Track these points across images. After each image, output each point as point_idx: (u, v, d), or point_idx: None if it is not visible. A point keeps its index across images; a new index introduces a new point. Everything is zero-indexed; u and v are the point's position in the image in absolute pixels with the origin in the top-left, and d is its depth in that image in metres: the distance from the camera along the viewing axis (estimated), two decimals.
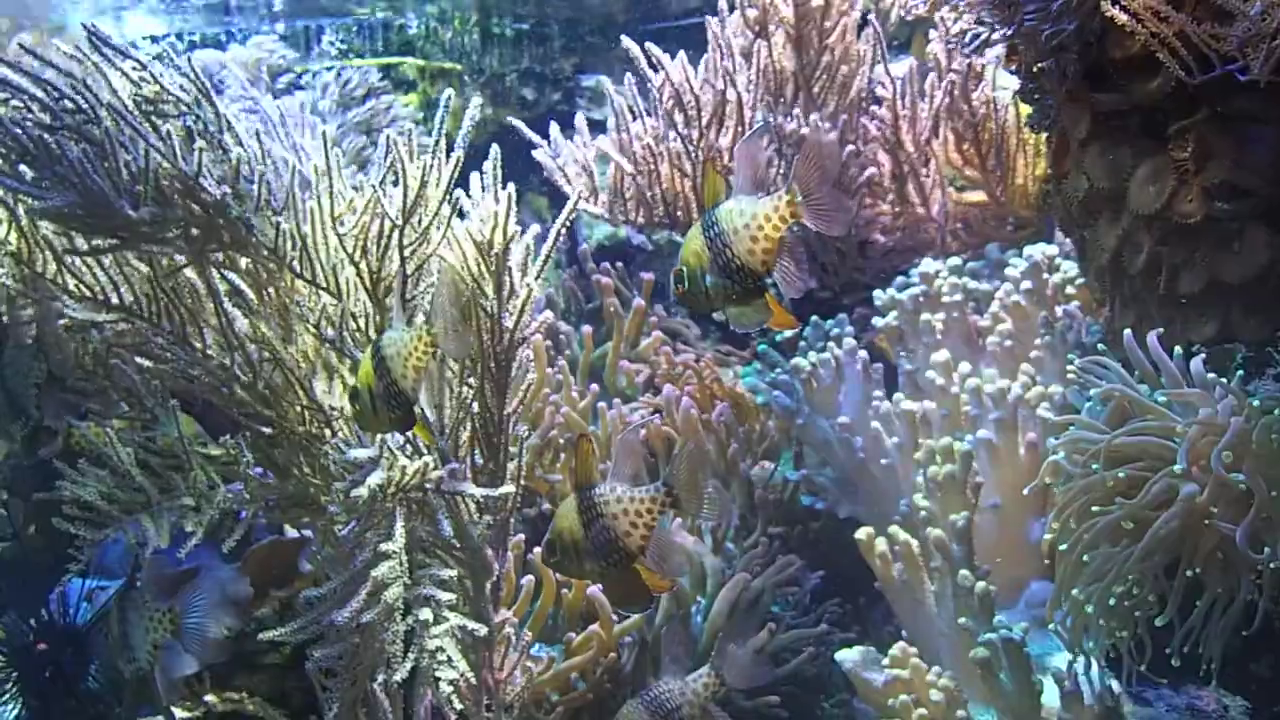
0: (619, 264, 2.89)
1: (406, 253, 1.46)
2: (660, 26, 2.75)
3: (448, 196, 1.46)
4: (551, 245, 1.51)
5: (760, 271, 1.17)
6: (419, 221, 1.46)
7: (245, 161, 1.41)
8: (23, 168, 1.37)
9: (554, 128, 2.65)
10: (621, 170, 2.61)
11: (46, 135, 1.34)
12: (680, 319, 2.97)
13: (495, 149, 1.50)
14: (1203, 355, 1.53)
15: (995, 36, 1.58)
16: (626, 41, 2.53)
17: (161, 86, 1.41)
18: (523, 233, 1.51)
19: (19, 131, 1.33)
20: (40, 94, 1.37)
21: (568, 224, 1.50)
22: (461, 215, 1.50)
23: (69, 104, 1.36)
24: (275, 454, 1.58)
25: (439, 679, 1.41)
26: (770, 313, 1.21)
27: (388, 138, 1.43)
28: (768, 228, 1.16)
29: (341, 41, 3.67)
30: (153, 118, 1.39)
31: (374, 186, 1.44)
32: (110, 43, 1.41)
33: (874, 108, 2.58)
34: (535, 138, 2.61)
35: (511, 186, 1.46)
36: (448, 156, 1.47)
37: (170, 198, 1.38)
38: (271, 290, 1.51)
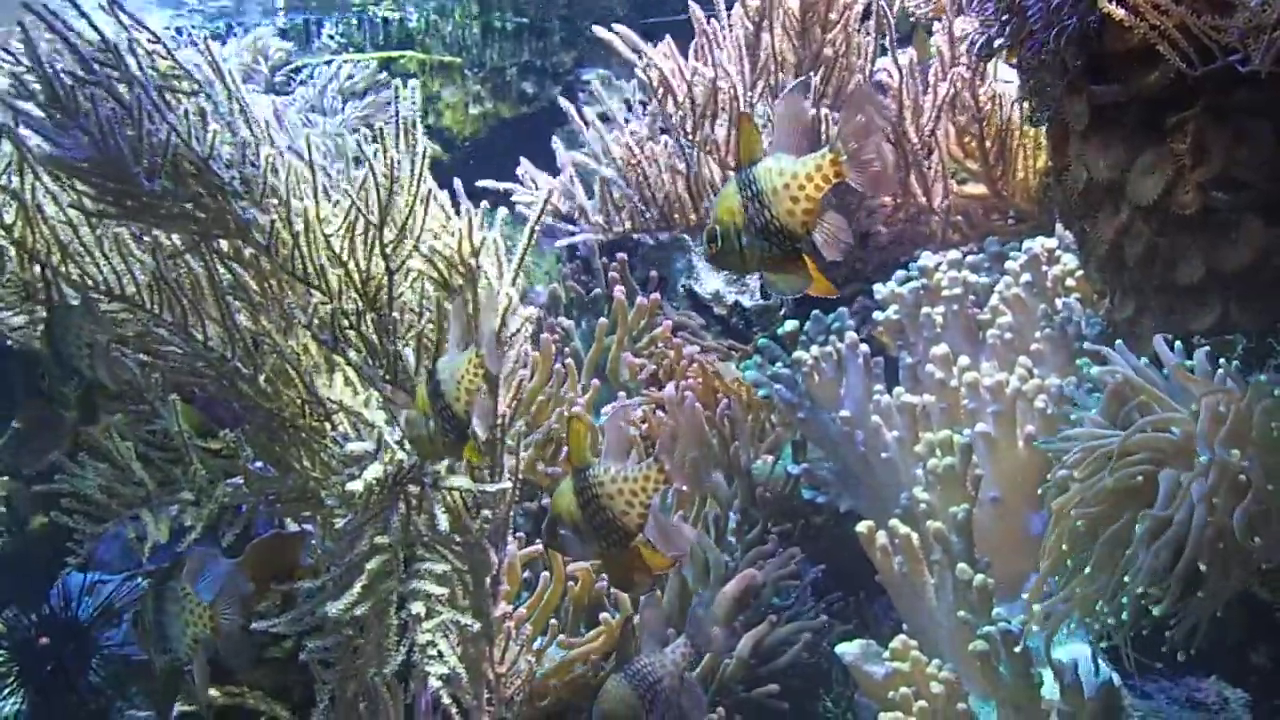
0: (620, 257, 2.89)
1: (389, 250, 1.47)
2: (659, 21, 2.74)
3: (421, 191, 1.46)
4: (521, 258, 1.52)
5: (800, 233, 1.12)
6: (396, 218, 1.46)
7: (253, 147, 1.41)
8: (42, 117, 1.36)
9: (527, 166, 2.64)
10: (607, 183, 2.60)
11: (77, 87, 1.32)
12: (682, 312, 2.97)
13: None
14: (1205, 347, 1.54)
15: (998, 41, 1.57)
16: (599, 30, 2.52)
17: (176, 62, 1.40)
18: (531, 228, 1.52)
19: (51, 74, 1.31)
20: (79, 43, 1.35)
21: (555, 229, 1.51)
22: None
23: (106, 58, 1.34)
24: (275, 448, 1.59)
25: (429, 673, 1.41)
26: (808, 280, 1.16)
27: (357, 138, 1.43)
28: (809, 188, 1.10)
29: (341, 35, 3.66)
30: (167, 94, 1.39)
31: (347, 191, 1.44)
32: (126, 9, 1.41)
33: (879, 97, 2.57)
34: (509, 186, 2.59)
35: (469, 206, 1.47)
36: (418, 151, 1.47)
37: (183, 175, 1.38)
38: (273, 282, 1.51)
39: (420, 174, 1.47)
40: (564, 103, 2.67)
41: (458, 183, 1.56)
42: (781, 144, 1.14)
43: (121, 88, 1.34)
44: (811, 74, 2.48)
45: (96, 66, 1.34)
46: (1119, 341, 1.58)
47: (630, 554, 1.28)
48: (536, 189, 2.62)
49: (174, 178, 1.37)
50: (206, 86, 1.42)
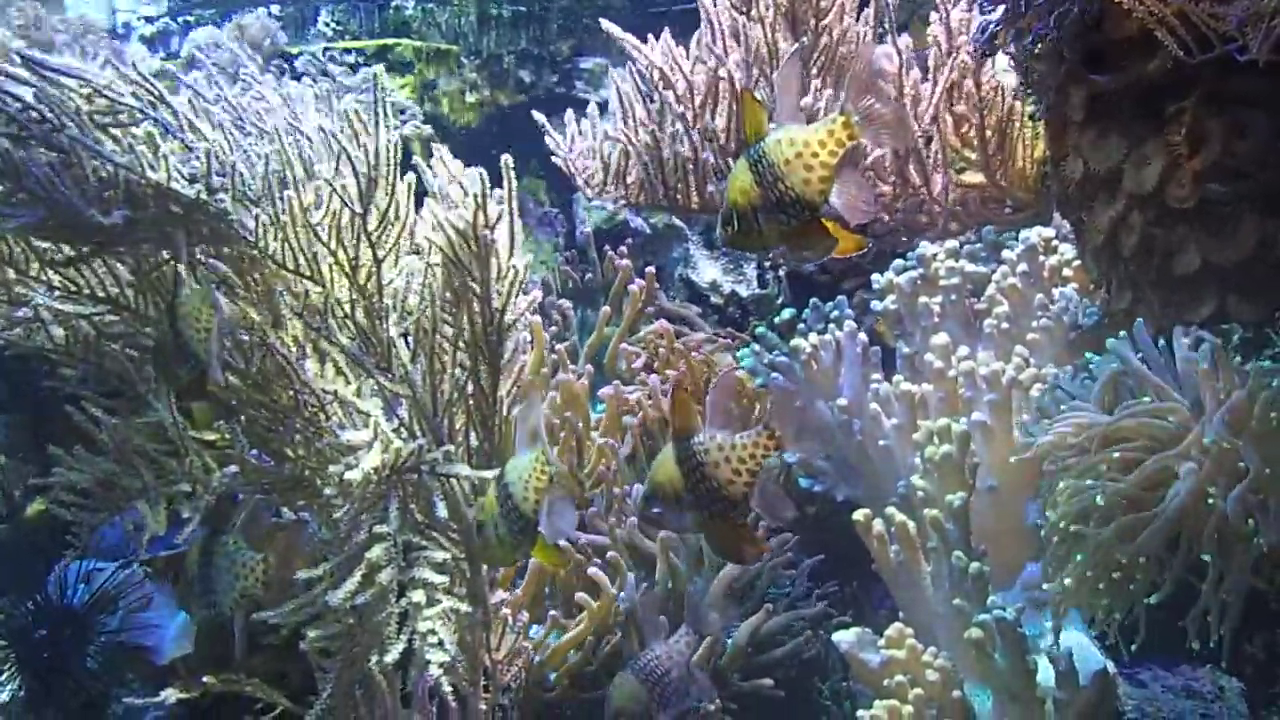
0: (621, 248, 2.89)
1: (374, 237, 1.47)
2: (660, 10, 2.73)
3: (399, 178, 1.46)
4: (511, 213, 1.51)
5: (817, 202, 1.10)
6: (380, 206, 1.46)
7: (213, 155, 1.40)
8: None
9: (569, 115, 2.64)
10: (625, 154, 2.59)
11: (11, 147, 1.32)
12: (680, 303, 2.97)
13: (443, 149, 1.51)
14: (1204, 339, 1.54)
15: (997, 29, 1.56)
16: (605, 24, 2.51)
17: (109, 99, 1.39)
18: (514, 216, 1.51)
19: None
20: (6, 103, 1.34)
21: (562, 207, 1.50)
22: (420, 202, 1.50)
23: (34, 114, 1.34)
24: (270, 438, 1.59)
25: (429, 661, 1.42)
26: (833, 241, 1.13)
27: (322, 129, 1.42)
28: (823, 154, 1.08)
29: (337, 23, 3.65)
30: (111, 128, 1.38)
31: (327, 180, 1.43)
32: (48, 64, 1.38)
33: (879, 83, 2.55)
34: (547, 125, 2.59)
35: (482, 171, 1.45)
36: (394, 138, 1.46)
37: (143, 200, 1.37)
38: (258, 275, 1.51)
39: (396, 157, 1.46)
40: (613, 74, 2.62)
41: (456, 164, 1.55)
42: (786, 115, 1.11)
43: (59, 132, 1.34)
44: (800, 42, 2.47)
45: (30, 119, 1.33)
46: (1121, 334, 1.58)
47: (732, 526, 1.23)
48: (572, 146, 2.61)
49: (133, 203, 1.37)
50: (148, 109, 1.41)
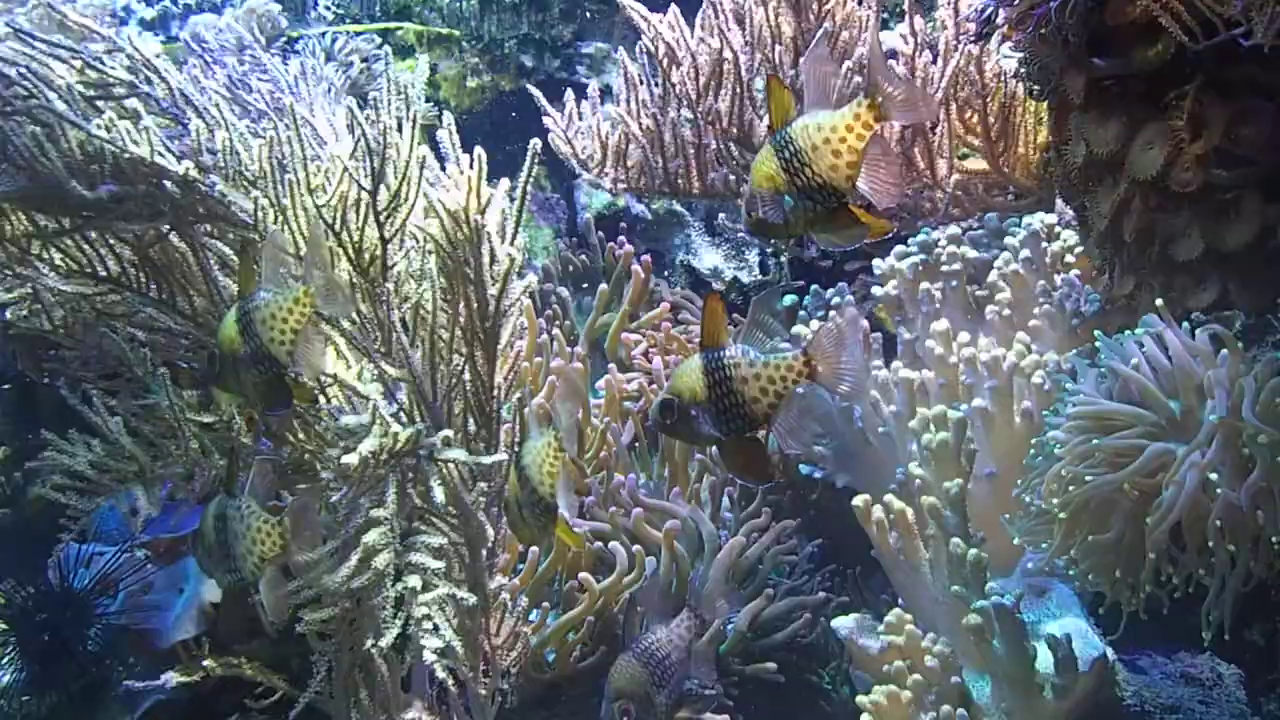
0: (620, 236, 2.88)
1: (382, 218, 1.46)
2: None
3: (416, 159, 1.45)
4: (521, 200, 1.49)
5: (845, 188, 1.10)
6: (391, 186, 1.45)
7: (205, 133, 1.39)
8: None
9: (569, 95, 2.62)
10: (626, 136, 2.57)
11: None
12: (681, 291, 2.96)
13: (448, 118, 1.49)
14: (1205, 326, 1.53)
15: (1000, 16, 1.55)
16: None
17: (102, 73, 1.38)
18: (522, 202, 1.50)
19: None
20: None
21: (563, 193, 1.48)
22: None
23: (19, 89, 1.33)
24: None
25: (424, 646, 1.42)
26: (863, 228, 1.13)
27: (347, 107, 1.41)
28: (850, 138, 1.08)
29: (338, 6, 3.63)
30: (98, 101, 1.38)
31: (339, 157, 1.42)
32: (39, 37, 1.38)
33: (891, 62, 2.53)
34: (546, 104, 2.58)
35: (480, 152, 1.44)
36: (410, 119, 1.45)
37: (132, 175, 1.36)
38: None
39: (414, 137, 1.45)
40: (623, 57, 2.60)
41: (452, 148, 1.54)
42: (814, 104, 1.11)
43: (54, 98, 1.33)
44: (825, 28, 2.44)
45: (14, 94, 1.32)
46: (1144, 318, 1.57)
47: (750, 444, 1.21)
48: (571, 125, 2.59)
49: (120, 179, 1.36)
50: (143, 84, 1.40)
